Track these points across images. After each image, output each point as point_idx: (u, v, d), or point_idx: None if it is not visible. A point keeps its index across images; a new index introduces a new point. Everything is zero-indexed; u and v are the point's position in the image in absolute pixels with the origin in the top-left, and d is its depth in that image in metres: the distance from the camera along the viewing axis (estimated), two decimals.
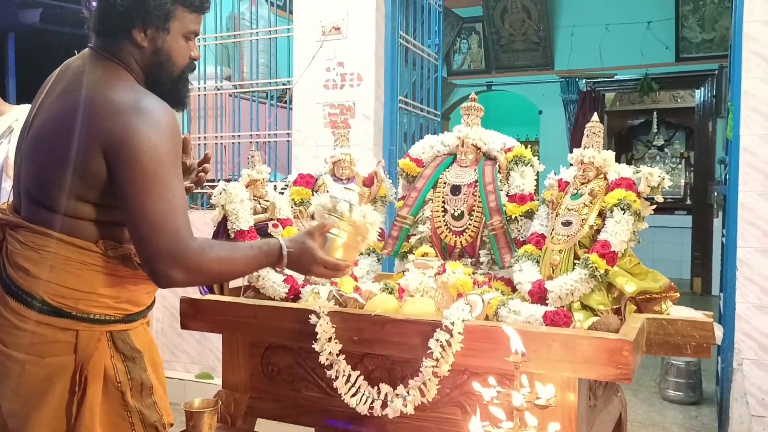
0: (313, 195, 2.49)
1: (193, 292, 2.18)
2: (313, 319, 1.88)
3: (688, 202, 10.05)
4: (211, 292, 2.20)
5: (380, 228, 1.83)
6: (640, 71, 8.89)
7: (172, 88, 1.61)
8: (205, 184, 4.78)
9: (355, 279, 2.32)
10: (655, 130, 10.45)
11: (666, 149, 10.62)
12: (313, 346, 1.88)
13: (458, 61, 9.80)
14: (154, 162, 1.43)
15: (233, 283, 2.36)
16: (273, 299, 2.19)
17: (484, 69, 9.59)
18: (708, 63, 8.44)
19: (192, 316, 2.09)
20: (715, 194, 4.94)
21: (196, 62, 1.68)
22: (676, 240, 9.52)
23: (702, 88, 8.91)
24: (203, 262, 1.49)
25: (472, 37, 9.59)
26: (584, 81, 9.42)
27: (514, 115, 11.10)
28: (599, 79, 9.35)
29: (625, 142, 10.75)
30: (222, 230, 2.23)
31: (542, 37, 9.09)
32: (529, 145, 11.94)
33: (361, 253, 2.51)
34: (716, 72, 8.56)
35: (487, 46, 9.42)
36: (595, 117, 2.09)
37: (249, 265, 1.62)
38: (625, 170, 2.01)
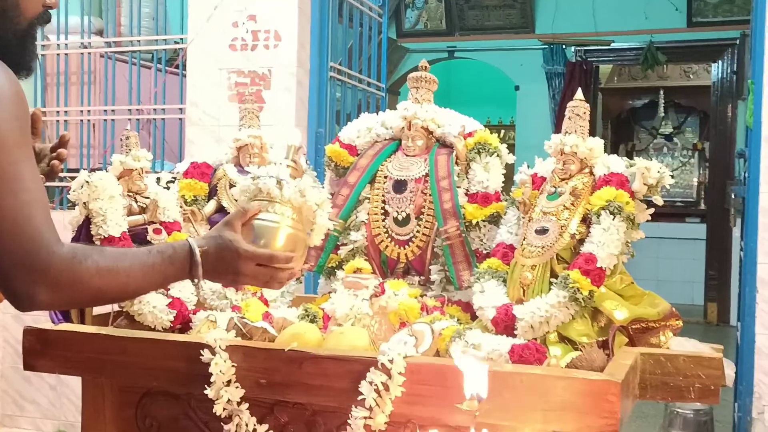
0: (209, 190, 2.47)
1: (45, 321, 2.13)
2: (206, 355, 1.86)
3: (702, 206, 10.36)
4: (68, 319, 2.15)
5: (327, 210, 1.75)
6: (643, 38, 9.15)
7: (17, 45, 1.56)
8: (64, 175, 4.71)
9: (265, 303, 2.31)
10: (662, 114, 10.76)
11: (675, 139, 10.96)
12: (206, 392, 1.85)
13: (411, 18, 9.89)
14: None
15: (98, 308, 2.32)
16: (153, 329, 2.15)
17: (445, 30, 9.71)
18: (727, 30, 8.75)
19: (40, 352, 2.03)
20: (733, 196, 5.11)
21: (51, 11, 1.65)
22: (686, 255, 9.79)
23: (720, 62, 9.21)
24: (76, 274, 1.45)
25: None
26: (573, 49, 9.64)
27: (482, 92, 11.26)
28: (592, 47, 9.58)
29: (624, 129, 11.04)
30: (83, 236, 2.19)
31: None
32: (502, 131, 12.11)
33: None
34: (737, 41, 8.86)
35: (450, 0, 9.53)
36: (579, 94, 2.13)
37: (146, 276, 1.55)
38: (617, 163, 2.05)
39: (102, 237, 2.17)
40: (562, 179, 2.08)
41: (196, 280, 1.61)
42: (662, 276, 9.43)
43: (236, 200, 2.37)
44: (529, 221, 2.09)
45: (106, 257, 1.52)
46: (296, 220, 1.68)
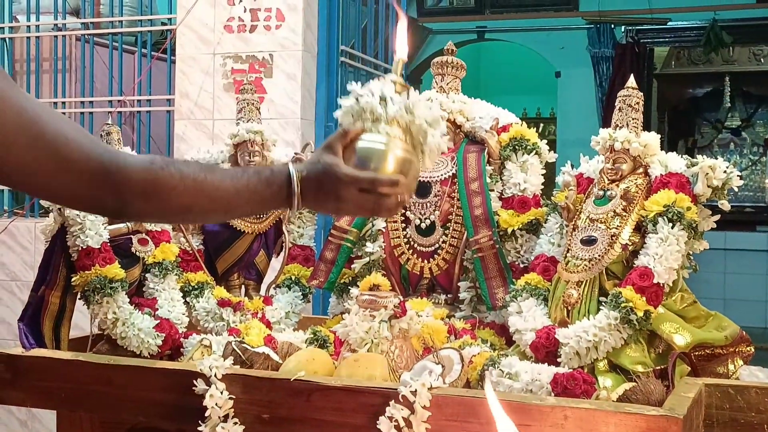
0: None
1: (15, 344, 2.14)
2: (200, 386, 1.86)
3: None
4: (41, 344, 2.17)
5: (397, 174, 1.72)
6: (705, 16, 9.12)
7: None
8: None
9: (268, 325, 2.32)
10: (728, 105, 10.69)
11: (744, 133, 10.89)
12: (200, 428, 1.86)
13: None
14: None
15: (76, 332, 2.33)
16: (138, 355, 2.16)
17: (474, 7, 9.71)
18: None
19: (9, 382, 2.04)
20: None
21: None
22: (758, 269, 9.72)
23: None
24: (159, 180, 1.52)
25: None
26: (623, 29, 9.61)
27: (517, 79, 11.26)
28: (645, 27, 9.55)
29: (683, 122, 10.98)
30: (58, 248, 2.21)
31: None
32: (541, 124, 12.05)
33: (278, 286, 2.52)
34: None
35: None
36: (632, 81, 2.14)
37: (240, 194, 1.60)
38: (676, 162, 2.05)
39: (80, 248, 2.18)
40: (612, 181, 2.08)
41: (290, 208, 1.66)
42: (730, 294, 9.36)
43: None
44: (574, 230, 2.09)
45: (192, 166, 1.58)
46: (404, 140, 1.68)
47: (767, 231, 10.09)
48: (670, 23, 9.47)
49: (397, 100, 1.68)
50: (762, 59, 10.35)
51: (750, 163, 10.80)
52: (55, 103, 4.89)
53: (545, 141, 2.40)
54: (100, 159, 1.48)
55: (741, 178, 2.02)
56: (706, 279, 8.53)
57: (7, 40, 5.04)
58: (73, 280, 2.21)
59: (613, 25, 9.55)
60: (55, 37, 4.92)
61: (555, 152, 2.40)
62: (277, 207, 1.76)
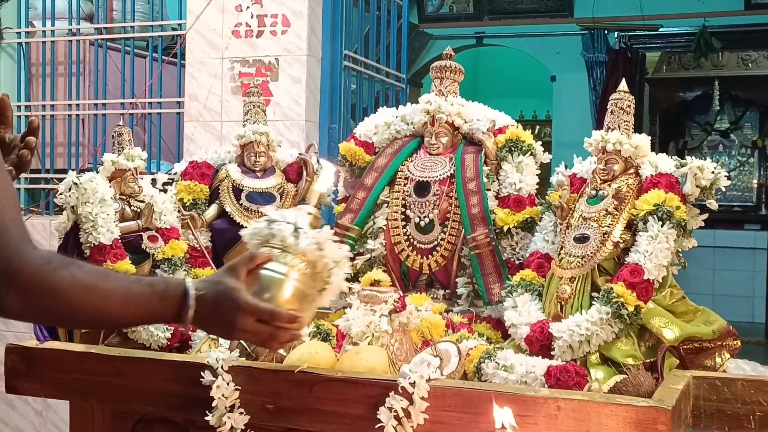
0: (210, 193, 2.48)
1: (30, 338, 2.14)
2: (207, 377, 1.86)
3: (763, 211, 10.29)
4: (55, 337, 2.16)
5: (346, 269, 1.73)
6: (695, 22, 9.10)
7: None
8: (50, 177, 4.74)
9: None
10: (717, 108, 10.67)
11: (732, 135, 10.87)
12: (207, 418, 1.86)
13: (435, 1, 9.89)
14: None
15: None
16: (148, 348, 2.16)
17: (473, 14, 9.69)
18: None
19: (24, 373, 2.05)
20: None
21: None
22: (745, 266, 9.70)
23: None
24: (48, 282, 1.43)
25: None
26: (616, 35, 9.60)
27: (514, 83, 11.24)
28: (638, 33, 9.53)
29: (674, 125, 10.96)
30: (72, 244, 2.21)
31: None
32: (537, 126, 12.05)
33: None
34: None
35: None
36: (623, 85, 2.13)
37: (128, 306, 1.53)
38: (665, 163, 2.05)
39: (92, 245, 2.18)
40: (605, 181, 2.08)
41: (183, 326, 1.60)
42: (719, 290, 9.35)
43: (244, 227, 2.39)
44: (567, 228, 2.09)
45: (86, 272, 1.50)
46: (308, 275, 1.65)
47: (755, 229, 10.09)
48: (661, 29, 9.45)
49: (310, 234, 1.64)
50: (750, 64, 10.34)
51: (738, 164, 10.79)
52: (70, 105, 4.89)
53: (540, 143, 2.40)
54: (7, 243, 1.39)
55: (729, 178, 2.02)
56: (696, 275, 8.52)
57: (23, 44, 5.03)
58: None
59: (606, 31, 9.53)
60: (70, 41, 4.92)
61: (550, 154, 2.40)
62: (167, 321, 1.69)
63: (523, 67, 10.70)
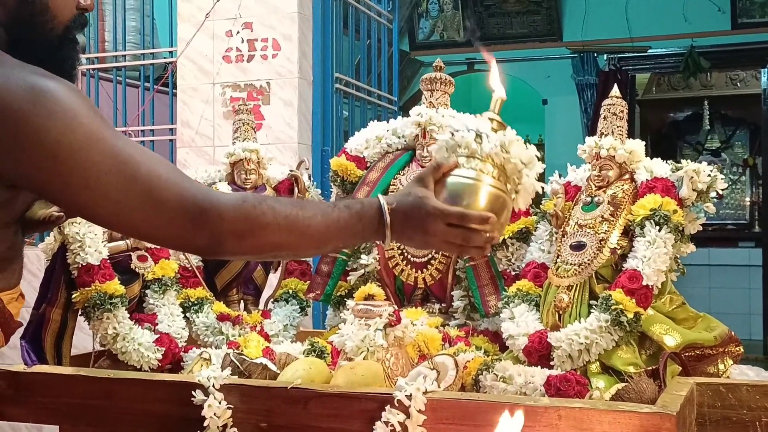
0: None
1: (17, 361, 2.10)
2: (199, 396, 1.82)
3: (757, 229, 10.30)
4: (42, 360, 2.13)
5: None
6: (683, 43, 9.15)
7: (53, 53, 1.60)
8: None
9: (266, 338, 2.28)
10: (708, 128, 10.73)
11: (723, 154, 10.91)
12: None
13: (425, 29, 9.95)
14: (91, 152, 1.43)
15: (78, 350, 2.28)
16: (139, 369, 2.13)
17: (463, 41, 9.74)
18: None
19: (12, 398, 1.99)
20: None
21: (88, 14, 1.69)
22: (741, 283, 9.71)
23: None
24: (251, 218, 1.51)
25: None
26: (606, 57, 9.65)
27: (506, 107, 11.17)
28: (627, 55, 9.59)
29: (665, 145, 10.99)
30: (59, 266, 2.17)
31: None
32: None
33: (276, 299, 2.48)
34: None
35: (467, 7, 9.59)
36: (615, 90, 2.13)
37: (331, 230, 1.57)
38: (661, 167, 2.03)
39: (80, 265, 2.15)
40: (599, 187, 2.06)
41: (380, 241, 1.62)
42: (715, 308, 9.34)
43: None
44: (563, 236, 2.07)
45: (283, 203, 1.57)
46: (497, 178, 1.60)
47: (749, 247, 10.11)
48: (650, 51, 9.51)
49: (493, 138, 1.61)
50: (738, 83, 10.41)
51: (730, 183, 10.82)
52: None
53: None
54: (194, 199, 1.47)
55: (722, 197, 2.01)
56: (692, 294, 8.48)
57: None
58: (73, 296, 2.17)
59: (596, 54, 9.59)
60: None
61: (544, 177, 2.36)
62: (367, 240, 1.76)
63: (514, 92, 10.67)
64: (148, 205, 1.47)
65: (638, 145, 2.07)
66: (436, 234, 1.57)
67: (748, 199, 10.82)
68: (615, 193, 2.03)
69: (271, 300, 2.51)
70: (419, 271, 2.29)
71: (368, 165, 2.45)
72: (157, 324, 2.24)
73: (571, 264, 2.01)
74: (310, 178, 2.54)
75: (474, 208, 1.57)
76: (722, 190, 1.98)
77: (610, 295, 1.90)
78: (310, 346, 2.15)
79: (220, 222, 1.48)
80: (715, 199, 2.00)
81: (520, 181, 1.63)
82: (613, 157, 2.04)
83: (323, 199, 2.56)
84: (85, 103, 1.49)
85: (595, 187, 2.07)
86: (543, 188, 2.10)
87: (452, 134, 1.64)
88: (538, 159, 1.67)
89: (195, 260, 2.45)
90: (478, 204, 1.57)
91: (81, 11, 1.66)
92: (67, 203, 1.55)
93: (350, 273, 2.37)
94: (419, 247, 1.85)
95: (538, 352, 1.95)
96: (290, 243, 1.57)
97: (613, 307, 1.88)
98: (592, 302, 1.96)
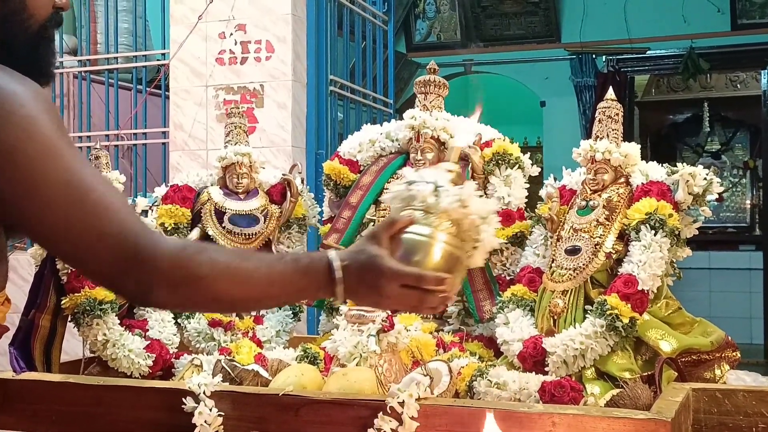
0: (192, 216, 2.44)
1: (6, 368, 2.09)
2: (189, 403, 1.81)
3: (757, 232, 10.30)
4: (31, 367, 2.12)
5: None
6: (682, 44, 9.15)
7: (28, 51, 1.59)
8: None
9: (259, 344, 2.28)
10: (708, 130, 10.73)
11: (723, 156, 10.91)
12: None
13: (422, 30, 9.95)
14: (46, 162, 1.40)
15: (69, 356, 2.28)
16: (129, 376, 2.13)
17: (460, 42, 9.74)
18: None
19: (0, 406, 1.98)
20: None
21: (63, 12, 1.68)
22: (742, 287, 9.70)
23: None
24: (189, 269, 1.46)
25: None
26: (604, 59, 9.65)
27: (504, 109, 11.23)
28: (626, 56, 9.59)
29: (665, 147, 10.99)
30: (48, 272, 2.17)
31: None
32: (528, 153, 12.07)
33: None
34: None
35: (465, 8, 9.59)
36: (611, 93, 2.13)
37: (274, 285, 1.53)
38: (656, 171, 2.03)
39: (69, 271, 2.15)
40: (594, 191, 2.06)
41: (333, 299, 1.56)
42: (715, 312, 9.32)
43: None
44: (558, 240, 2.07)
45: (225, 253, 1.54)
46: (454, 235, 1.56)
47: (749, 250, 10.10)
48: (649, 52, 9.51)
49: (451, 192, 1.57)
50: (738, 85, 10.41)
51: (731, 185, 10.81)
52: None
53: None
54: (135, 239, 1.42)
55: (722, 199, 2.00)
56: (692, 297, 8.48)
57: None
58: (63, 302, 2.17)
59: (594, 56, 9.59)
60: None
61: (543, 180, 2.36)
62: (313, 297, 1.71)
63: (512, 94, 10.75)
64: (88, 233, 1.42)
65: (633, 149, 2.07)
66: (390, 296, 1.53)
67: (748, 201, 10.81)
68: (610, 196, 2.03)
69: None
70: None
71: (361, 168, 2.45)
72: (147, 330, 2.24)
73: (566, 268, 2.01)
74: (303, 182, 2.54)
75: (428, 266, 1.53)
76: (719, 193, 1.98)
77: (605, 300, 1.90)
78: (302, 352, 2.15)
79: (153, 268, 1.43)
80: (715, 202, 2.00)
81: (477, 238, 1.59)
82: (609, 160, 2.04)
83: (315, 203, 2.56)
84: (49, 113, 1.46)
85: (590, 190, 2.07)
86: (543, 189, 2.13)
87: (408, 185, 1.60)
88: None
89: None
90: (432, 262, 1.54)
91: (57, 9, 1.64)
92: (11, 212, 1.47)
93: None
94: (370, 306, 1.82)
95: (533, 358, 1.95)
96: (229, 295, 1.50)
97: (608, 312, 1.88)
98: (588, 307, 1.96)
